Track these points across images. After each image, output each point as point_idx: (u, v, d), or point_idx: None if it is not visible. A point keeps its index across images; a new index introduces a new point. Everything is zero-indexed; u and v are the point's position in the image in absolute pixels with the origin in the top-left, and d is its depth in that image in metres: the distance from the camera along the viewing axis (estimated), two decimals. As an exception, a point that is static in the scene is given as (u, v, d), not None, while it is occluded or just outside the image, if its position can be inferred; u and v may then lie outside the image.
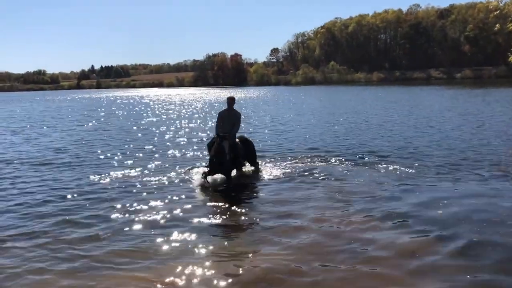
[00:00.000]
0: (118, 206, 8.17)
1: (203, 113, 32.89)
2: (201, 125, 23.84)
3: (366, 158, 12.27)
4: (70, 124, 26.86)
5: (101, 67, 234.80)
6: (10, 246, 6.46)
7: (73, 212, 7.93)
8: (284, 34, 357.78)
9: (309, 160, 12.20)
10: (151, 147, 15.46)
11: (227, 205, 8.23)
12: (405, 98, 42.08)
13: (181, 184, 9.88)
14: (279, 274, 5.33)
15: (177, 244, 6.35)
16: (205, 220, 7.44)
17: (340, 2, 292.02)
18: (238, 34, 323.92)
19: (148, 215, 7.60)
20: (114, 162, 12.73)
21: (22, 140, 18.93)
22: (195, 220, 7.40)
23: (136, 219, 7.45)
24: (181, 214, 7.71)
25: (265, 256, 5.91)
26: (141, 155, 13.82)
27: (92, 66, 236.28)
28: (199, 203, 8.57)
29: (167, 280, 5.26)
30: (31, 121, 29.68)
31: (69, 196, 8.93)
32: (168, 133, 20.31)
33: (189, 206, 8.17)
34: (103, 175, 10.77)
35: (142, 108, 43.34)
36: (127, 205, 8.23)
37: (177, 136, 18.98)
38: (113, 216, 7.63)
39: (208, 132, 19.69)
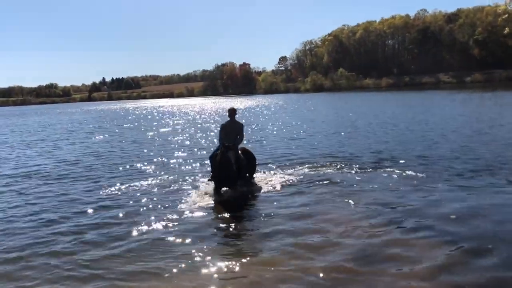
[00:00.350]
0: (129, 220, 8.18)
1: (215, 123, 33.01)
2: (212, 133, 23.97)
3: (381, 164, 12.20)
4: (82, 136, 27.17)
5: (112, 79, 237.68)
6: (24, 265, 6.43)
7: (84, 228, 7.89)
8: (292, 42, 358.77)
9: (323, 167, 12.16)
10: (162, 158, 15.55)
11: (240, 218, 8.22)
12: (416, 103, 41.82)
13: (192, 196, 9.76)
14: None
15: (190, 260, 6.26)
16: (217, 235, 7.41)
17: (347, 9, 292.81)
18: (246, 44, 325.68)
19: (158, 229, 7.60)
20: (126, 174, 12.85)
21: (36, 153, 19.19)
22: (208, 234, 7.39)
23: (147, 234, 7.42)
24: (193, 228, 7.63)
25: (286, 271, 5.85)
26: (153, 166, 13.88)
27: (103, 78, 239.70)
28: (211, 216, 8.51)
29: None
30: (45, 134, 30.08)
31: (80, 212, 8.94)
32: (179, 143, 20.45)
33: (201, 220, 8.16)
34: (113, 188, 10.89)
35: (155, 117, 43.70)
36: (138, 219, 8.21)
37: (188, 146, 19.09)
38: (124, 231, 7.62)
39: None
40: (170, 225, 7.80)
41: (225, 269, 5.95)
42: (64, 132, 31.89)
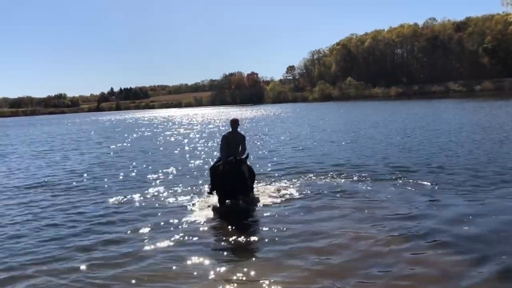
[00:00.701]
0: (134, 231, 8.08)
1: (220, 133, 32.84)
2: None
3: (390, 173, 12.03)
4: (90, 146, 27.17)
5: (120, 89, 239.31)
6: (29, 274, 6.38)
7: (88, 237, 7.85)
8: (300, 51, 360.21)
9: (333, 177, 11.99)
10: (171, 169, 15.37)
11: (247, 229, 8.03)
12: (427, 112, 41.44)
13: (198, 207, 9.68)
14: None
15: (196, 270, 6.20)
16: (226, 243, 7.27)
17: (355, 18, 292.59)
18: (254, 53, 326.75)
19: (163, 240, 7.45)
20: (134, 186, 12.68)
21: (45, 164, 19.14)
22: (213, 243, 7.31)
23: (151, 245, 7.32)
24: (199, 239, 7.52)
25: (292, 279, 5.70)
26: (160, 177, 13.74)
27: (112, 89, 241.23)
28: (217, 226, 8.38)
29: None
30: (54, 145, 30.15)
31: (87, 226, 8.75)
32: (187, 154, 20.29)
33: (206, 229, 8.07)
34: (120, 198, 10.81)
35: (163, 127, 43.73)
36: (144, 229, 8.13)
37: (195, 157, 18.92)
38: (129, 242, 7.52)
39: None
40: (176, 237, 7.60)
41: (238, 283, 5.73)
42: (72, 142, 31.97)
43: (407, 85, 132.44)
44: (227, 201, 9.64)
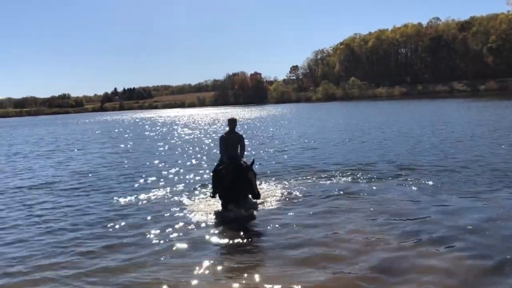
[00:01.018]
0: (138, 235, 7.96)
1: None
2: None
3: (398, 174, 11.94)
4: (95, 147, 27.10)
5: (124, 89, 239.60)
6: (38, 277, 6.30)
7: (93, 240, 7.77)
8: (303, 51, 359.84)
9: (337, 177, 11.91)
10: (175, 169, 15.26)
11: (254, 230, 7.94)
12: (431, 111, 41.20)
13: (202, 210, 9.47)
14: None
15: (202, 273, 6.15)
16: (232, 249, 7.13)
17: (358, 18, 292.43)
18: (257, 53, 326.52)
19: (166, 246, 7.33)
20: (136, 187, 12.58)
21: (49, 164, 19.06)
22: (219, 245, 7.25)
23: (158, 247, 7.26)
24: (204, 244, 7.38)
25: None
26: (163, 178, 13.61)
27: (115, 89, 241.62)
28: (223, 227, 8.24)
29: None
30: (58, 145, 30.11)
31: (90, 226, 8.69)
32: (191, 154, 20.17)
33: (213, 231, 7.97)
34: (126, 199, 10.73)
35: (166, 127, 43.69)
36: (149, 231, 8.07)
37: (199, 157, 18.80)
38: (133, 246, 7.40)
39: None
40: (180, 245, 7.39)
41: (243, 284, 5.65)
42: (76, 142, 31.92)
43: (411, 85, 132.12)
44: (230, 205, 9.37)
